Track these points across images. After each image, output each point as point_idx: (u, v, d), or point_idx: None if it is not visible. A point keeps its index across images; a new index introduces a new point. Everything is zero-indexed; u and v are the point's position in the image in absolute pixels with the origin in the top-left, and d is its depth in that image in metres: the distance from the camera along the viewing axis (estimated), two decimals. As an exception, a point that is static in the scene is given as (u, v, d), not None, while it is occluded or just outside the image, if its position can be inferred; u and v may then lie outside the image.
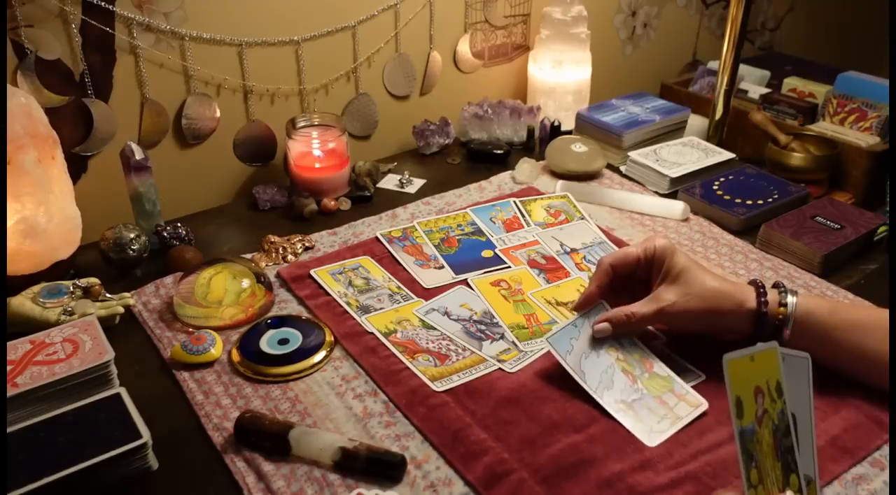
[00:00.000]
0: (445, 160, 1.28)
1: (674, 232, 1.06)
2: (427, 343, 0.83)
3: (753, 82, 1.45)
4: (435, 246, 1.01)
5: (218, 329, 0.86)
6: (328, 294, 0.91)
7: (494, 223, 1.07)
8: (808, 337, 0.73)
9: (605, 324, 0.78)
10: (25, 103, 0.87)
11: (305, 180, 1.13)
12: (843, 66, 1.34)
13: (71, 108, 1.01)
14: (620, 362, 0.77)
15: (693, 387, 0.76)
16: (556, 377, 0.77)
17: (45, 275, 0.91)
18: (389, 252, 1.00)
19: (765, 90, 1.40)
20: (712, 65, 1.48)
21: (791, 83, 1.36)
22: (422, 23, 1.28)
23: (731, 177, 1.16)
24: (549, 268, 0.97)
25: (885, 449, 0.70)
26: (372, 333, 0.85)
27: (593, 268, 0.83)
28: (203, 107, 1.12)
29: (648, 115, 1.29)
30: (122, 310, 0.87)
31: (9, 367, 0.72)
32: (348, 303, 0.89)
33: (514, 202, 1.11)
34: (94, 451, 0.64)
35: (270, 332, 0.84)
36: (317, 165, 1.14)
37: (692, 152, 1.23)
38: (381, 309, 0.89)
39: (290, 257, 1.00)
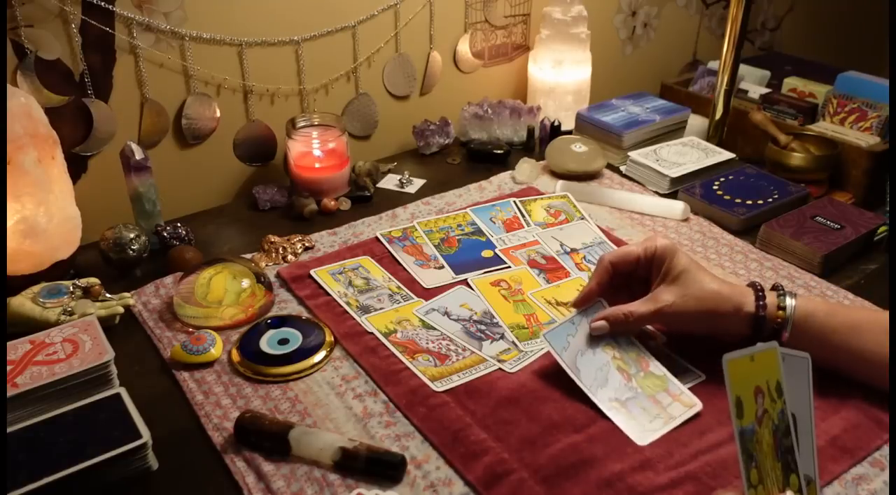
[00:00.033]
0: (445, 160, 1.28)
1: (674, 232, 1.06)
2: (427, 343, 0.83)
3: (753, 82, 1.45)
4: (435, 246, 1.01)
5: (218, 329, 0.86)
6: (328, 294, 0.91)
7: (494, 223, 1.07)
8: (806, 339, 0.73)
9: (603, 322, 0.78)
10: (25, 103, 0.87)
11: (305, 180, 1.13)
12: (843, 66, 1.34)
13: (71, 107, 1.01)
14: (616, 360, 0.77)
15: (693, 387, 0.76)
16: (556, 377, 0.77)
17: (45, 275, 0.91)
18: (389, 252, 1.00)
19: (765, 90, 1.40)
20: (712, 65, 1.48)
21: (791, 83, 1.36)
22: (422, 23, 1.28)
23: (731, 177, 1.16)
24: (549, 268, 0.97)
25: (885, 449, 0.70)
26: (372, 333, 0.85)
27: (593, 269, 0.83)
28: (203, 107, 1.12)
29: (648, 115, 1.29)
30: (122, 310, 0.87)
31: (9, 367, 0.72)
32: (348, 303, 0.89)
33: (514, 202, 1.11)
34: (94, 451, 0.64)
35: (270, 332, 0.84)
36: (317, 165, 1.14)
37: (692, 152, 1.23)
38: (381, 309, 0.89)
39: (290, 257, 1.00)
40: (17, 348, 0.75)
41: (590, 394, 0.74)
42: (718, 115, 1.31)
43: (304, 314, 0.89)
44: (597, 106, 1.33)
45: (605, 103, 1.34)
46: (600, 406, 0.73)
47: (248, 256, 0.99)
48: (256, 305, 0.89)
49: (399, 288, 0.93)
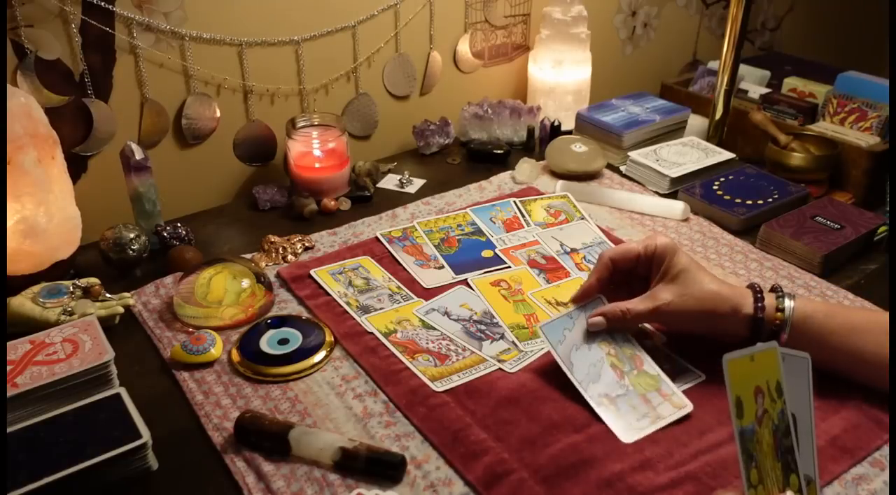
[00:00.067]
0: (445, 160, 1.28)
1: (674, 232, 1.06)
2: (427, 343, 0.83)
3: (753, 82, 1.45)
4: (435, 246, 1.01)
5: (218, 329, 0.86)
6: (328, 294, 0.91)
7: (494, 223, 1.07)
8: (805, 341, 0.73)
9: (600, 318, 0.78)
10: (25, 103, 0.87)
11: (305, 180, 1.13)
12: (843, 66, 1.34)
13: (71, 107, 1.01)
14: (611, 357, 0.77)
15: (693, 387, 0.76)
16: (556, 377, 0.77)
17: (45, 275, 0.91)
18: (389, 252, 1.00)
19: (765, 90, 1.40)
20: (712, 65, 1.48)
21: (791, 83, 1.36)
22: (422, 23, 1.28)
23: (731, 177, 1.16)
24: (549, 268, 0.97)
25: (885, 449, 0.70)
26: (372, 333, 0.85)
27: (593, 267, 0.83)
28: (203, 107, 1.12)
29: (648, 114, 1.29)
30: (122, 310, 0.87)
31: (9, 367, 0.72)
32: (348, 303, 0.89)
33: (514, 202, 1.11)
34: (94, 451, 0.64)
35: (270, 332, 0.84)
36: (317, 165, 1.14)
37: (692, 152, 1.23)
38: (381, 309, 0.89)
39: (290, 257, 1.00)
40: (17, 348, 0.75)
41: (580, 389, 0.74)
42: (718, 115, 1.31)
43: (304, 314, 0.89)
44: (597, 106, 1.33)
45: (605, 103, 1.34)
46: (589, 401, 0.73)
47: (248, 256, 0.99)
48: (256, 305, 0.89)
49: (399, 288, 0.93)
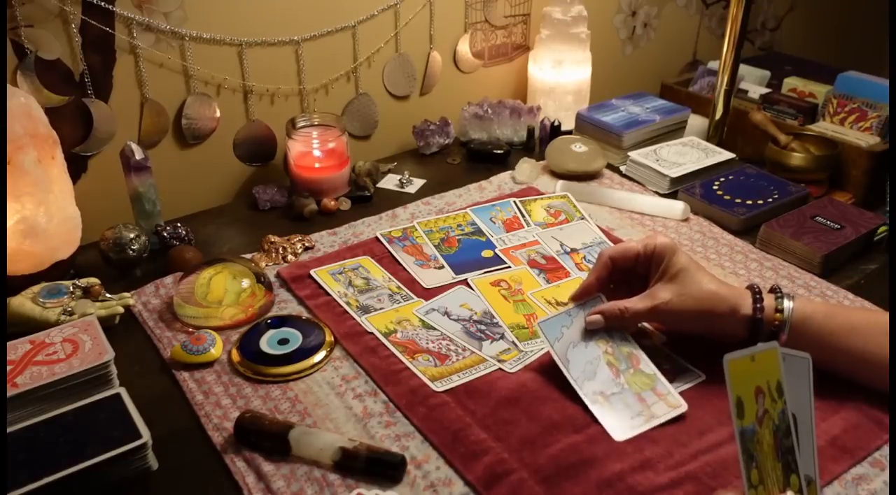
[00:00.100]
0: (445, 160, 1.28)
1: (674, 232, 1.06)
2: (427, 343, 0.83)
3: (753, 82, 1.45)
4: (435, 246, 1.01)
5: (218, 329, 0.86)
6: (328, 294, 0.91)
7: (494, 223, 1.07)
8: (804, 342, 0.73)
9: (598, 316, 0.78)
10: (25, 103, 0.87)
11: (305, 180, 1.13)
12: (843, 66, 1.34)
13: (71, 107, 1.01)
14: (607, 355, 0.77)
15: (693, 387, 0.76)
16: (556, 377, 0.77)
17: (45, 275, 0.91)
18: (389, 252, 1.00)
19: (765, 90, 1.40)
20: (712, 65, 1.48)
21: (791, 83, 1.36)
22: (422, 23, 1.28)
23: (731, 177, 1.16)
24: (549, 268, 0.97)
25: (885, 449, 0.70)
26: (372, 333, 0.85)
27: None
28: (203, 107, 1.12)
29: (648, 114, 1.29)
30: (122, 310, 0.87)
31: (9, 367, 0.72)
32: (348, 303, 0.89)
33: (514, 202, 1.11)
34: (94, 451, 0.64)
35: (270, 332, 0.84)
36: (317, 165, 1.14)
37: (692, 152, 1.23)
38: (381, 309, 0.89)
39: (290, 257, 1.00)
40: (17, 348, 0.75)
41: (575, 386, 0.74)
42: (718, 115, 1.31)
43: (304, 314, 0.89)
44: (597, 106, 1.33)
45: (605, 103, 1.34)
46: (584, 398, 0.73)
47: (248, 256, 0.99)
48: (256, 305, 0.89)
49: (399, 288, 0.93)
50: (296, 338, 0.83)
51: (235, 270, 0.89)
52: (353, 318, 0.87)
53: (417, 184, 1.20)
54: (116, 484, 0.66)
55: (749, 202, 1.09)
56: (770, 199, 1.10)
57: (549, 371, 0.78)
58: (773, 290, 0.77)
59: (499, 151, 1.26)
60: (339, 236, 1.05)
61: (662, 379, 0.76)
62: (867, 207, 1.10)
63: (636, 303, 0.77)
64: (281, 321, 0.86)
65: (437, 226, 1.05)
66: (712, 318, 0.76)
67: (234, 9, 1.08)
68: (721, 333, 0.77)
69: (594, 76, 1.40)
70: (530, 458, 0.68)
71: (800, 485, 0.53)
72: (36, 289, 0.87)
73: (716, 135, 1.33)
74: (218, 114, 1.13)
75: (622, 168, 1.24)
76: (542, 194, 1.15)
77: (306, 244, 1.02)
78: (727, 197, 1.10)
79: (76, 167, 1.04)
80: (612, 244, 1.02)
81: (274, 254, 1.00)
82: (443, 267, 0.97)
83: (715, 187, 1.13)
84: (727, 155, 1.22)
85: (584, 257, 0.99)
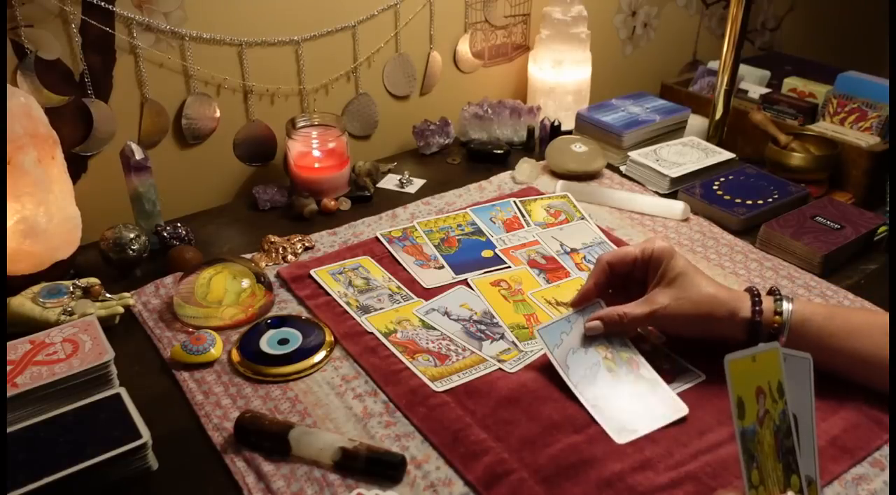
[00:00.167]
0: (445, 160, 1.28)
1: (674, 232, 1.06)
2: (427, 343, 0.83)
3: (753, 82, 1.45)
4: (435, 246, 1.01)
5: (218, 329, 0.86)
6: (328, 294, 0.91)
7: (494, 223, 1.07)
8: (804, 344, 0.72)
9: (597, 322, 0.78)
10: (25, 103, 0.87)
11: (305, 180, 1.13)
12: (843, 66, 1.34)
13: (71, 107, 1.01)
14: (607, 361, 0.77)
15: (693, 387, 0.76)
16: (556, 377, 0.77)
17: (45, 275, 0.91)
18: (389, 252, 1.00)
19: (765, 90, 1.40)
20: (712, 65, 1.48)
21: (791, 83, 1.36)
22: (422, 23, 1.28)
23: (731, 177, 1.16)
24: (549, 268, 0.97)
25: (885, 449, 0.70)
26: (372, 333, 0.85)
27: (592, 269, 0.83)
28: (203, 107, 1.12)
29: (648, 115, 1.29)
30: (122, 310, 0.87)
31: (9, 367, 0.72)
32: (348, 303, 0.89)
33: (514, 202, 1.11)
34: (94, 451, 0.64)
35: (270, 332, 0.84)
36: (317, 165, 1.14)
37: (692, 152, 1.23)
38: (381, 309, 0.89)
39: (290, 257, 1.00)
40: (17, 348, 0.75)
41: (575, 391, 0.74)
42: (718, 115, 1.31)
43: (304, 314, 0.89)
44: (597, 106, 1.33)
45: (605, 103, 1.34)
46: (584, 403, 0.73)
47: (248, 256, 0.99)
48: (256, 305, 0.89)
49: (399, 288, 0.93)
50: (296, 338, 0.83)
51: (235, 270, 0.89)
52: (353, 318, 0.87)
53: (417, 184, 1.20)
54: (116, 484, 0.66)
55: (749, 202, 1.09)
56: (770, 199, 1.10)
57: (549, 371, 0.78)
58: (771, 292, 0.77)
59: (499, 151, 1.26)
60: (339, 236, 1.05)
61: (663, 383, 0.76)
62: (867, 207, 1.10)
63: (635, 308, 0.77)
64: (281, 321, 0.86)
65: (437, 226, 1.05)
66: (711, 322, 0.76)
67: (234, 9, 1.08)
68: (720, 337, 0.77)
69: (594, 76, 1.40)
70: (530, 458, 0.68)
71: (800, 486, 0.53)
72: (36, 289, 0.87)
73: (716, 136, 1.33)
74: (218, 114, 1.13)
75: (622, 168, 1.24)
76: (542, 194, 1.15)
77: (306, 244, 1.02)
78: (727, 197, 1.10)
79: (76, 167, 1.04)
80: (612, 244, 1.02)
81: (274, 254, 1.00)
82: (443, 267, 0.97)
83: (715, 187, 1.13)
84: (727, 155, 1.22)
85: (584, 257, 0.99)
